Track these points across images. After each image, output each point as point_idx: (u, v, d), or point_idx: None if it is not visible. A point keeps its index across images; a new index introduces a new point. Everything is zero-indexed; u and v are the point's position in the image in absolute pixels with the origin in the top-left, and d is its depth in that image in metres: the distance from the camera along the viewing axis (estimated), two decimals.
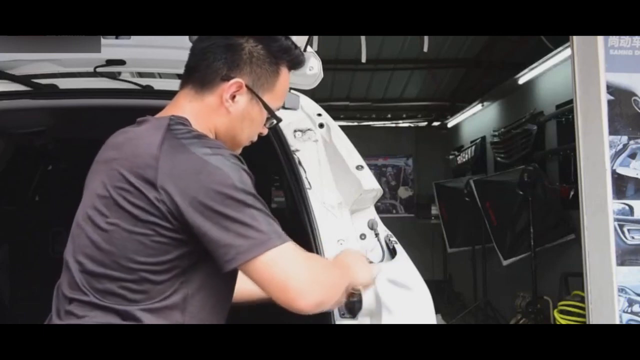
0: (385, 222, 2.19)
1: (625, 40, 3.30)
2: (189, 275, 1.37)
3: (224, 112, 1.48)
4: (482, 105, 7.68)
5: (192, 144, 1.35)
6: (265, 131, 1.59)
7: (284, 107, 2.21)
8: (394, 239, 2.09)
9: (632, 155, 3.29)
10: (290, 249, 1.32)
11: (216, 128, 1.50)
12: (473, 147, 8.06)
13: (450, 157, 9.02)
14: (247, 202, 1.30)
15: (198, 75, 1.48)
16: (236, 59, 1.47)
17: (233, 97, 1.47)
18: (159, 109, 1.53)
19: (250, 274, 1.32)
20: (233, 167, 1.33)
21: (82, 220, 1.41)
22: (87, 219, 1.40)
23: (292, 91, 2.26)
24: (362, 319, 1.79)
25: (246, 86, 1.48)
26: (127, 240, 1.33)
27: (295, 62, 1.57)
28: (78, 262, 1.39)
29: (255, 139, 1.58)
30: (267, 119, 1.55)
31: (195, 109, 1.48)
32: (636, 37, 3.29)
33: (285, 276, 1.30)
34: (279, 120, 1.59)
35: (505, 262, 5.74)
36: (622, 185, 3.28)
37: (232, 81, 1.46)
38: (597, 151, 3.28)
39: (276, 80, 1.52)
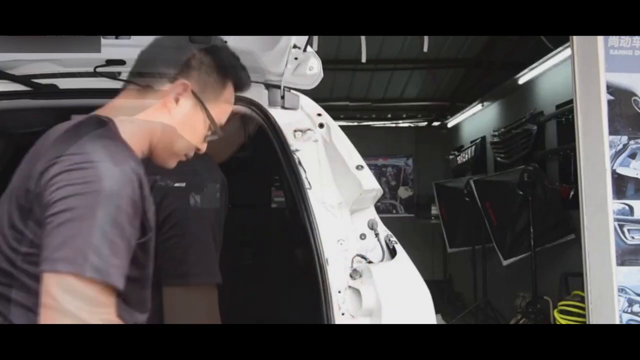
0: (385, 222, 2.19)
1: (625, 40, 3.30)
2: None
3: (165, 114, 1.43)
4: (482, 105, 7.68)
5: None
6: (203, 148, 1.52)
7: (283, 107, 2.23)
8: (394, 239, 2.08)
9: (632, 155, 3.29)
10: None
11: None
12: (473, 147, 8.05)
13: (450, 157, 9.01)
14: None
15: (144, 73, 1.46)
16: (185, 63, 1.44)
17: (177, 99, 1.43)
18: None
19: None
20: None
21: None
22: None
23: (292, 91, 2.26)
24: (362, 319, 1.79)
25: (192, 92, 1.43)
26: None
27: (241, 83, 1.53)
28: None
29: (191, 153, 1.52)
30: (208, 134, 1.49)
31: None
32: (636, 37, 3.29)
33: None
34: (220, 135, 1.51)
35: (505, 262, 5.74)
36: (622, 185, 3.28)
37: (177, 82, 1.43)
38: (597, 151, 3.28)
39: (222, 92, 1.49)
